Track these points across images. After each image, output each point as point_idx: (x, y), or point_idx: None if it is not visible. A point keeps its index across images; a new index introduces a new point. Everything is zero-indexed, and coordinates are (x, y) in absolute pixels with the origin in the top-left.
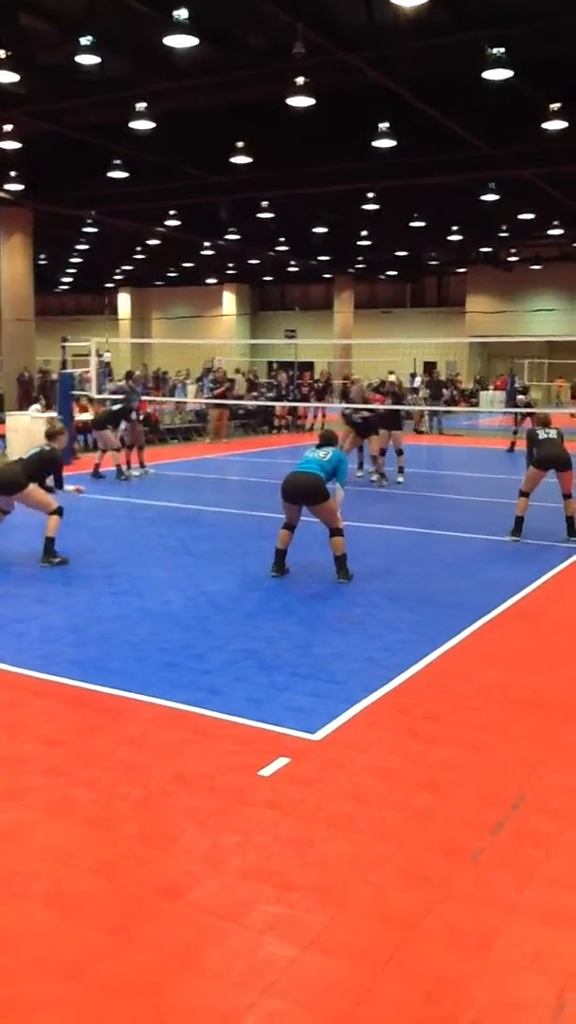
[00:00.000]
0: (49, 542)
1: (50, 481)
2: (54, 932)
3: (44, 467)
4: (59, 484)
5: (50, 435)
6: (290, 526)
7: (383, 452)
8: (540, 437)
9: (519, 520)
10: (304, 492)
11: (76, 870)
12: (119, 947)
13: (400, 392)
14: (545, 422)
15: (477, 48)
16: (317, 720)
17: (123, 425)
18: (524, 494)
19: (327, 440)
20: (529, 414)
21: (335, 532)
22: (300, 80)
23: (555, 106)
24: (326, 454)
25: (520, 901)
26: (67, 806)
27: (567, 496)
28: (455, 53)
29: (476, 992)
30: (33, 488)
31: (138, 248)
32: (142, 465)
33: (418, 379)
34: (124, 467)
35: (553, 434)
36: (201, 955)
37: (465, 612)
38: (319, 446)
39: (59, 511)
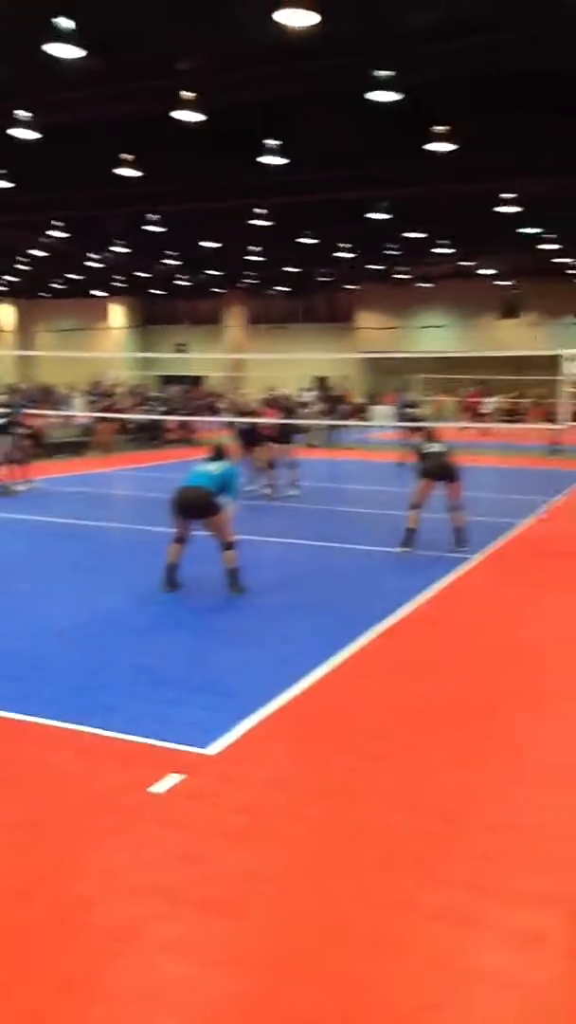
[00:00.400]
0: None
1: None
2: None
3: None
4: None
5: None
6: (181, 539)
7: (271, 465)
8: (425, 450)
9: (410, 532)
10: (194, 506)
11: None
12: (11, 976)
13: (290, 406)
14: (430, 436)
15: (365, 68)
16: (211, 734)
17: (7, 440)
18: (414, 506)
19: (217, 454)
20: (417, 428)
21: (227, 546)
22: (188, 95)
23: (442, 129)
24: (217, 468)
25: (418, 903)
26: None
27: (455, 508)
28: (343, 72)
29: (375, 996)
30: None
31: (21, 259)
32: (27, 479)
33: (308, 394)
34: (9, 482)
35: (437, 447)
36: (94, 978)
37: (359, 622)
38: (210, 460)
39: None
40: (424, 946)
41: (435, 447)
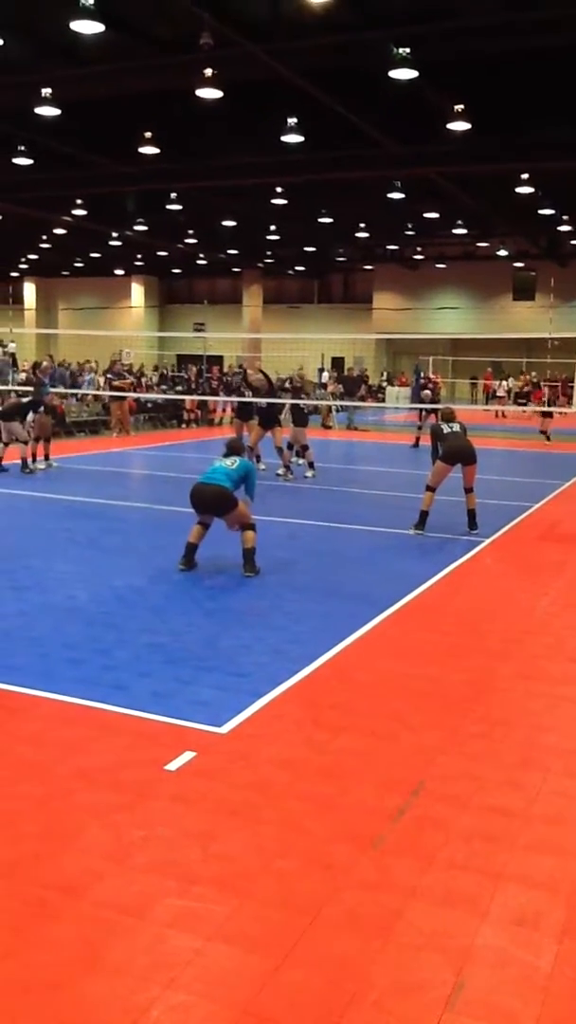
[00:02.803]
0: None
1: None
2: None
3: None
4: None
5: None
6: (203, 523)
7: (291, 447)
8: (444, 431)
9: (423, 514)
10: (211, 503)
11: None
12: (20, 947)
13: (302, 387)
14: (449, 417)
15: (382, 47)
16: (223, 713)
17: (30, 417)
18: (430, 488)
19: (233, 449)
20: (434, 410)
21: (247, 527)
22: (208, 72)
23: (459, 107)
24: (233, 463)
25: (420, 884)
26: None
27: (469, 490)
28: (361, 50)
29: (377, 975)
30: None
31: (44, 237)
32: (47, 458)
33: (326, 374)
34: (30, 460)
35: (457, 428)
36: (104, 952)
37: (370, 604)
38: (226, 455)
39: None
40: (423, 927)
41: (454, 428)
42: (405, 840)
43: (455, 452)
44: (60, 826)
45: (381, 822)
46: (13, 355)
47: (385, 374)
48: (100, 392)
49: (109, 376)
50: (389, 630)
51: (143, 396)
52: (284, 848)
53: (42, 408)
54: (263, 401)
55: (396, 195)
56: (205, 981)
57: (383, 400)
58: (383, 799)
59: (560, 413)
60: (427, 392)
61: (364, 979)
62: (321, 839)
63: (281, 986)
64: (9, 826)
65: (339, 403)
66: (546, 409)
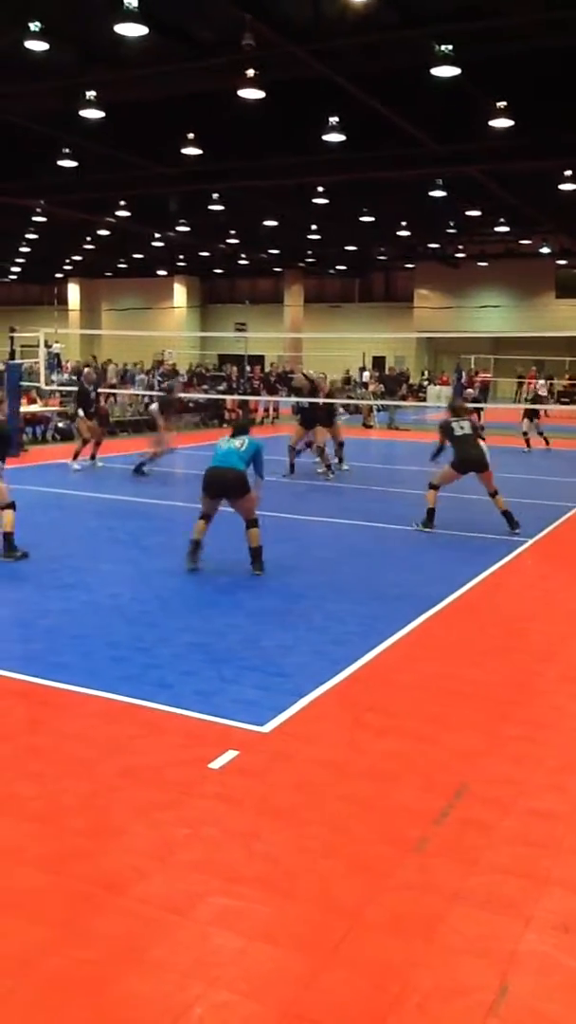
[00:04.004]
0: (8, 537)
1: None
2: None
3: None
4: (4, 454)
5: None
6: (207, 517)
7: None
8: (456, 433)
9: (430, 512)
10: (227, 486)
11: (21, 865)
12: (66, 942)
13: (323, 386)
14: (460, 412)
15: (424, 45)
16: (265, 713)
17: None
18: (434, 487)
19: (242, 428)
20: (477, 410)
21: (251, 524)
22: (250, 72)
23: (501, 104)
24: (242, 443)
25: (463, 888)
26: (12, 801)
27: (493, 494)
28: (402, 49)
29: (420, 978)
30: None
31: (87, 238)
32: (93, 458)
33: (367, 373)
34: (80, 460)
35: (467, 428)
36: (148, 948)
37: (412, 605)
38: (234, 435)
39: (12, 505)
40: (467, 931)
41: (464, 427)
42: (448, 843)
43: (466, 462)
44: (105, 823)
45: (424, 824)
46: (58, 355)
47: (426, 373)
48: (149, 392)
49: (158, 377)
50: (431, 631)
51: (188, 396)
52: (327, 849)
53: (92, 409)
54: (305, 401)
55: (437, 193)
56: (248, 980)
57: (424, 399)
58: (425, 801)
59: None
60: (470, 391)
61: (407, 982)
62: (364, 840)
63: (323, 987)
64: (55, 822)
65: (379, 402)
66: None
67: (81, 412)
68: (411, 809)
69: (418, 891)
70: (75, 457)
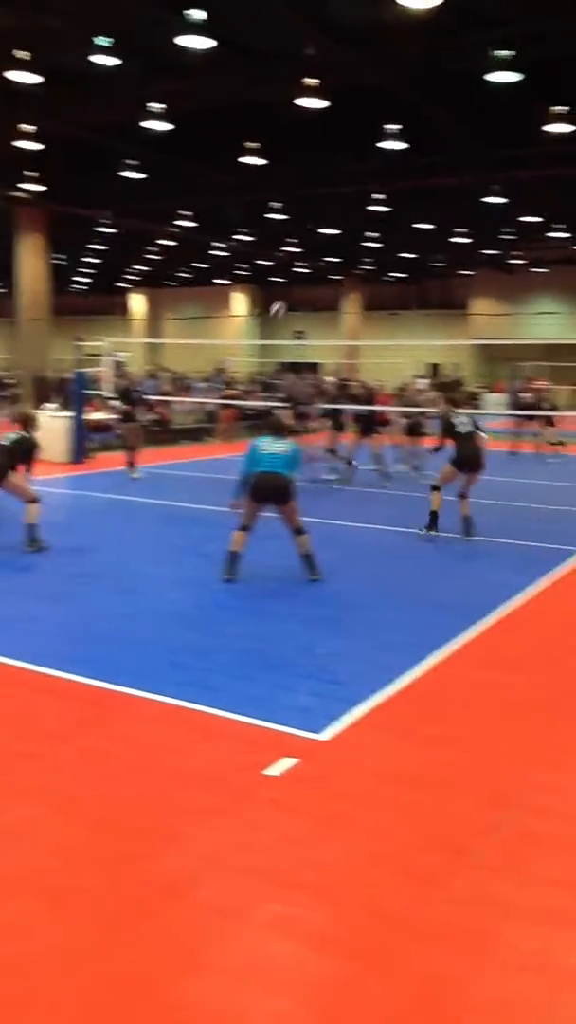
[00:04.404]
0: (32, 528)
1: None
2: (56, 928)
3: (22, 454)
4: (29, 464)
5: (26, 421)
6: (247, 528)
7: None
8: (457, 429)
9: (433, 515)
10: (276, 493)
11: (79, 867)
12: (121, 943)
13: (362, 394)
14: (459, 403)
15: (481, 50)
16: (320, 720)
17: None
18: (437, 489)
19: (278, 429)
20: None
21: (299, 531)
22: (310, 81)
23: (560, 109)
24: (285, 448)
25: (516, 901)
26: (70, 803)
27: (463, 496)
28: (460, 54)
29: (472, 992)
30: (12, 475)
31: (151, 248)
32: (131, 466)
33: (422, 381)
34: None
35: (468, 423)
36: (203, 952)
37: (465, 614)
38: (275, 437)
39: (37, 499)
40: (520, 945)
41: (466, 425)
42: (501, 854)
43: (467, 460)
44: (161, 826)
45: (477, 835)
46: (122, 364)
47: (481, 381)
48: (211, 400)
49: (220, 384)
50: (484, 641)
51: (248, 404)
52: (380, 857)
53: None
54: (364, 409)
55: (494, 199)
56: (302, 988)
57: (479, 407)
58: (479, 811)
59: None
60: (526, 395)
61: (459, 996)
62: (416, 849)
63: (374, 997)
64: (112, 824)
65: (431, 410)
66: None
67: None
68: (464, 819)
69: (471, 903)
70: (130, 465)
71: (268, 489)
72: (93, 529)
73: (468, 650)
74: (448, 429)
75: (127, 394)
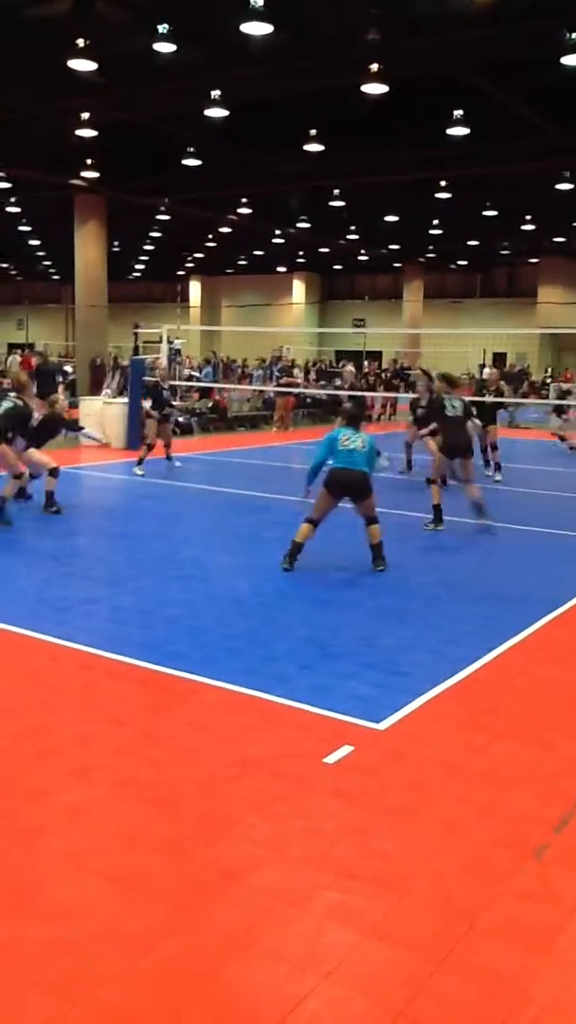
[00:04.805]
0: (50, 495)
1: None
2: (119, 908)
3: (16, 421)
4: (25, 434)
5: (20, 388)
6: (316, 522)
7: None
8: (448, 412)
9: (437, 508)
10: (354, 488)
11: (141, 848)
12: (182, 926)
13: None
14: (454, 383)
15: (553, 33)
16: (381, 710)
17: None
18: (433, 482)
19: (357, 420)
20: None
21: (372, 520)
22: (374, 67)
23: None
24: (363, 443)
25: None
26: (133, 786)
27: (468, 482)
28: (530, 39)
29: (538, 990)
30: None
31: (209, 236)
32: (168, 458)
33: (487, 370)
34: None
35: (460, 408)
36: (262, 938)
37: (531, 606)
38: (353, 429)
39: (56, 471)
40: None
41: (457, 409)
42: (568, 851)
43: (456, 447)
44: (221, 811)
45: (542, 831)
46: (179, 351)
47: (549, 370)
48: (269, 388)
49: (277, 373)
50: (550, 634)
51: (307, 391)
52: (442, 850)
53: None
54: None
55: (564, 186)
56: (361, 978)
57: (547, 397)
58: (544, 807)
59: None
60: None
61: (523, 993)
62: (480, 843)
63: (437, 992)
64: (173, 807)
65: (505, 399)
66: None
67: (151, 409)
68: (529, 815)
69: (537, 899)
70: (140, 463)
71: (347, 485)
72: (150, 515)
73: (531, 643)
74: (438, 412)
75: (153, 390)
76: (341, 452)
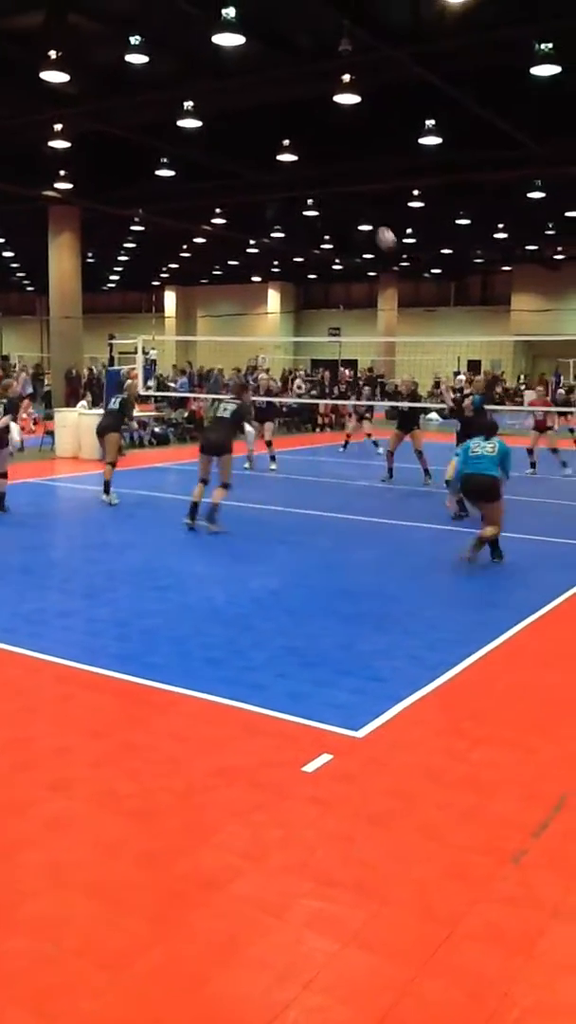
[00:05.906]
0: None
1: None
2: (97, 921)
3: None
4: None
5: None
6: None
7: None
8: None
9: (461, 503)
10: (484, 493)
11: (120, 860)
12: (161, 937)
13: (416, 393)
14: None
15: (524, 44)
16: (360, 717)
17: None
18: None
19: (492, 430)
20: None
21: (493, 523)
22: (346, 77)
23: None
24: (493, 447)
25: (564, 903)
26: (111, 798)
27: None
28: (502, 49)
29: (519, 993)
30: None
31: (184, 246)
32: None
33: (461, 377)
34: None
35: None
36: (243, 948)
37: (510, 612)
38: (485, 438)
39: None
40: (569, 947)
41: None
42: (548, 856)
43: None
44: (201, 821)
45: (522, 836)
46: (154, 361)
47: (522, 377)
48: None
49: (250, 380)
50: (529, 639)
51: (281, 400)
52: (422, 856)
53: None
54: (405, 405)
55: (536, 194)
56: (342, 985)
57: (520, 403)
58: (524, 812)
59: None
60: (561, 392)
61: (505, 997)
62: (460, 849)
63: (418, 997)
64: (152, 819)
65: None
66: None
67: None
68: (509, 819)
69: (518, 904)
70: (107, 491)
71: (476, 489)
72: (125, 526)
73: (512, 648)
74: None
75: (123, 404)
76: (471, 459)
